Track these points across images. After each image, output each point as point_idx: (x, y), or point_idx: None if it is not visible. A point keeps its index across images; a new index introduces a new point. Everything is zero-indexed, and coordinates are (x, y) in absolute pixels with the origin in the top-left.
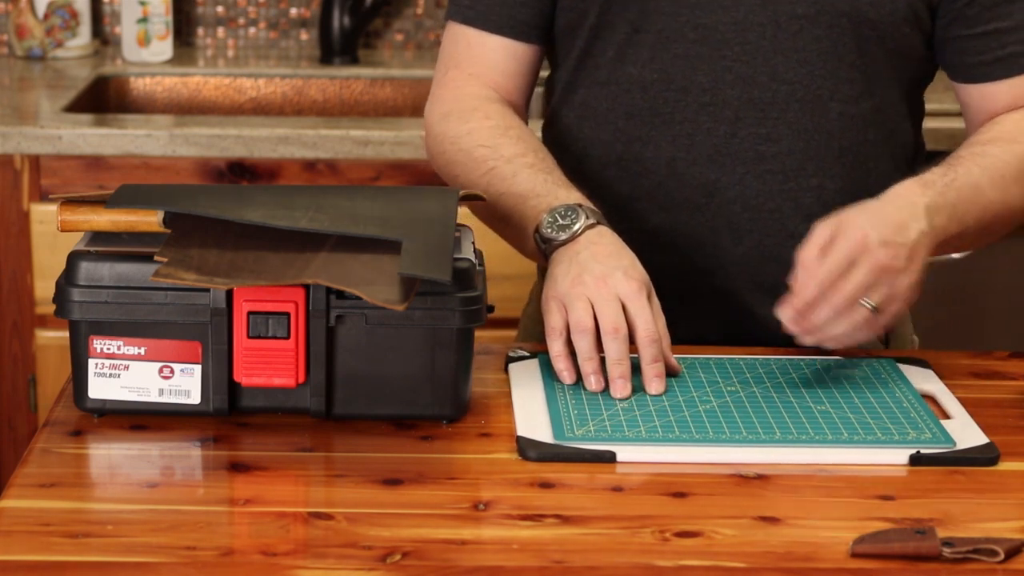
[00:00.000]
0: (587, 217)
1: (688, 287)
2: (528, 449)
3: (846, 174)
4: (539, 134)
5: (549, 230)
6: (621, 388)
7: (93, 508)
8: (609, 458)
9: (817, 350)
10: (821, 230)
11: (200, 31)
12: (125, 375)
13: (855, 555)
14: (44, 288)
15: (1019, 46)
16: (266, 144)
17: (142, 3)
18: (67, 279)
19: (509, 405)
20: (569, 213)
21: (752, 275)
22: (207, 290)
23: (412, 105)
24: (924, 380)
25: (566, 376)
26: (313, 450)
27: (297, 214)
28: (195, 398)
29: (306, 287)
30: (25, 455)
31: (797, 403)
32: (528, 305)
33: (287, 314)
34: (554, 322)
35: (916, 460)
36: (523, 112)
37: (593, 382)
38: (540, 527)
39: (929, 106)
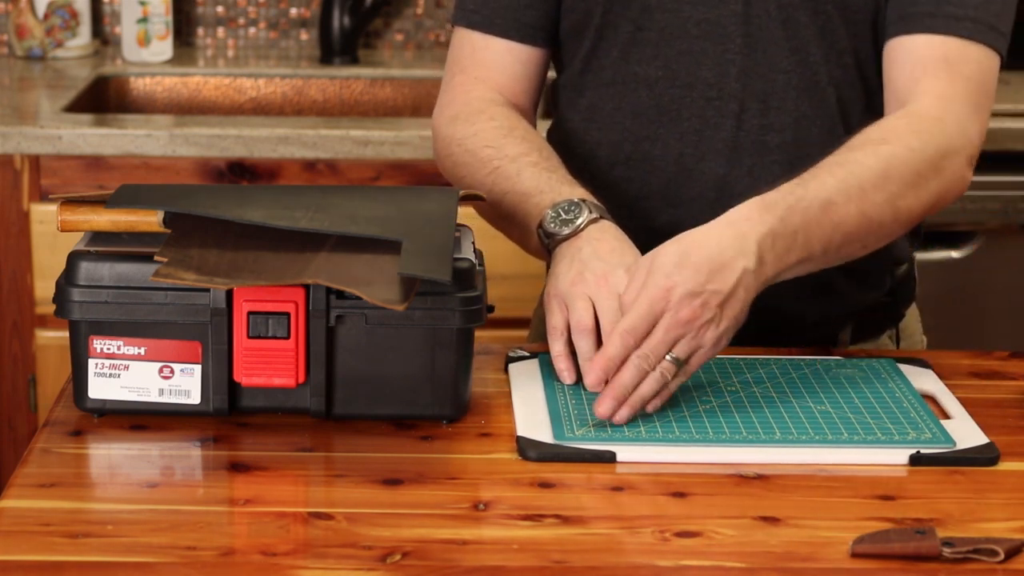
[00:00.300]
0: (590, 212)
1: None
2: (528, 449)
3: None
4: (545, 136)
5: (552, 225)
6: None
7: (93, 508)
8: (609, 458)
9: (817, 350)
10: (637, 273)
11: (200, 31)
12: (125, 375)
13: (855, 555)
14: (44, 288)
15: (929, 7)
16: (266, 144)
17: (142, 3)
18: (67, 279)
19: (509, 405)
20: (572, 208)
21: None
22: (207, 290)
23: (412, 105)
24: (924, 380)
25: (566, 376)
26: (313, 450)
27: (297, 214)
28: (195, 398)
29: (306, 287)
30: (25, 455)
31: (797, 403)
32: (539, 306)
33: (287, 314)
34: (555, 321)
35: (916, 460)
36: (530, 115)
37: (593, 381)
38: (540, 527)
39: None
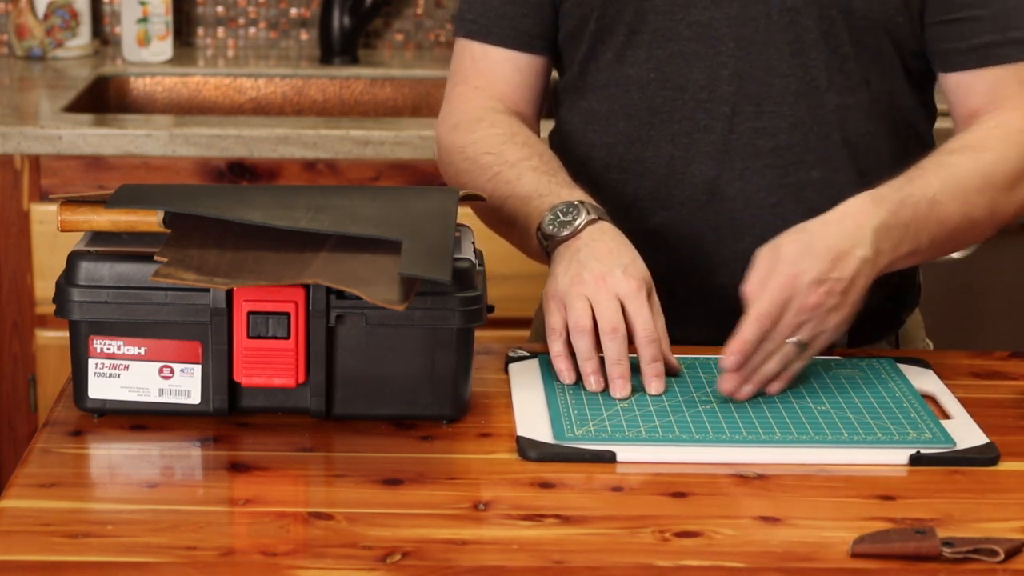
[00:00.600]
0: (588, 213)
1: (691, 285)
2: (528, 449)
3: (854, 166)
4: (546, 138)
5: (551, 227)
6: (620, 388)
7: (93, 508)
8: (609, 458)
9: None
10: (761, 260)
11: (200, 31)
12: (125, 375)
13: (855, 555)
14: (44, 288)
15: (995, 35)
16: (266, 144)
17: (142, 3)
18: (67, 279)
19: (509, 405)
20: (570, 210)
21: None
22: (207, 290)
23: (412, 105)
24: (924, 380)
25: (566, 376)
26: (313, 450)
27: (297, 214)
28: (195, 398)
29: (306, 287)
30: (25, 455)
31: (797, 403)
32: (540, 310)
33: (287, 314)
34: (553, 322)
35: (916, 460)
36: (532, 122)
37: (593, 382)
38: (540, 527)
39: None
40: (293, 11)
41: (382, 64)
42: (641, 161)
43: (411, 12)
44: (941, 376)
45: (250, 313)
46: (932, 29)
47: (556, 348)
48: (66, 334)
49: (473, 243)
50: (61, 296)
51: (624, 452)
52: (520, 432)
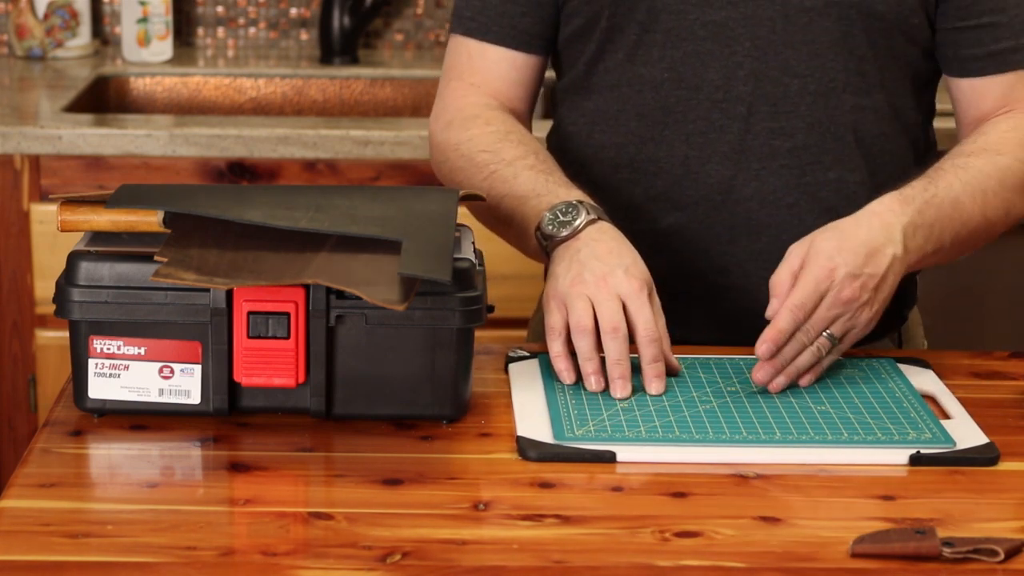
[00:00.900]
0: (588, 213)
1: (703, 286)
2: (528, 449)
3: (865, 166)
4: (542, 138)
5: (550, 227)
6: (621, 388)
7: (93, 508)
8: (609, 458)
9: None
10: (792, 256)
11: (200, 31)
12: (125, 375)
13: (855, 555)
14: (44, 288)
15: (1012, 41)
16: (266, 144)
17: (142, 3)
18: (67, 279)
19: (509, 405)
20: (570, 210)
21: (770, 272)
22: (207, 290)
23: (412, 105)
24: (924, 380)
25: (566, 376)
26: (313, 450)
27: (297, 214)
28: (195, 398)
29: (306, 287)
30: (25, 455)
31: (797, 403)
32: (538, 311)
33: (287, 314)
34: (554, 322)
35: (916, 460)
36: (526, 120)
37: (593, 382)
38: (540, 527)
39: (939, 106)
40: (293, 11)
41: (382, 64)
42: (654, 161)
43: (411, 12)
44: (941, 376)
45: (250, 313)
46: (947, 34)
47: (556, 348)
48: (66, 334)
49: (473, 243)
50: (61, 296)
51: (624, 452)
52: (520, 432)
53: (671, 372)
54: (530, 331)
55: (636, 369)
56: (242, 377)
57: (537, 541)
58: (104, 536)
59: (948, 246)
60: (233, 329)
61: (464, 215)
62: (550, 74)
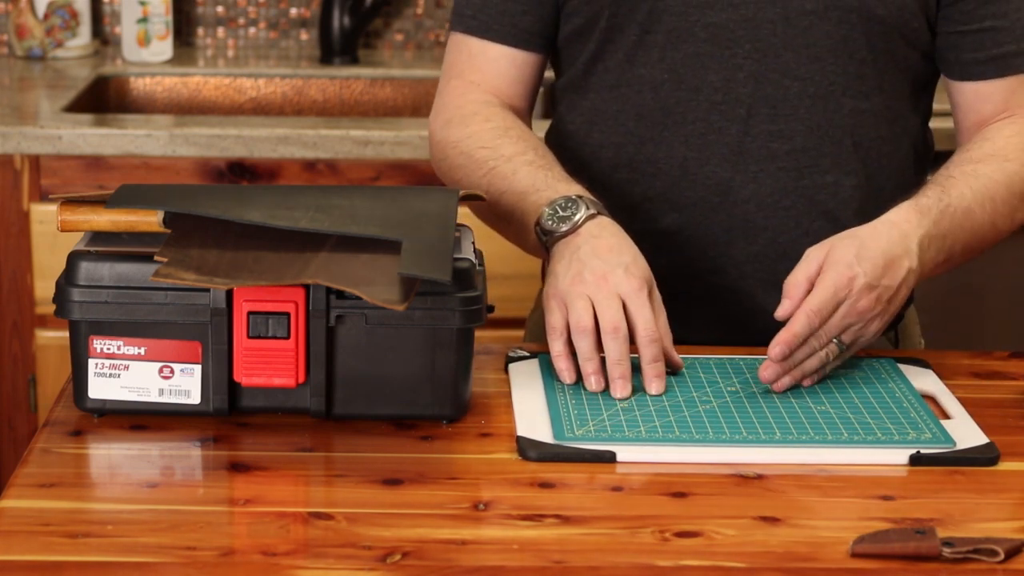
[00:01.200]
0: (587, 208)
1: (701, 287)
2: (528, 449)
3: (862, 170)
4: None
5: (550, 222)
6: (621, 388)
7: (93, 508)
8: (609, 458)
9: None
10: (811, 259)
11: (200, 31)
12: (125, 375)
13: (855, 555)
14: (44, 288)
15: (1014, 45)
16: (266, 144)
17: (142, 3)
18: (67, 279)
19: (509, 405)
20: (569, 205)
21: (766, 273)
22: (207, 290)
23: (412, 105)
24: (924, 380)
25: (566, 376)
26: (313, 450)
27: (297, 214)
28: (195, 398)
29: (306, 287)
30: (25, 455)
31: (797, 403)
32: (535, 311)
33: (287, 314)
34: (554, 321)
35: (916, 460)
36: (525, 118)
37: (593, 382)
38: (540, 527)
39: (935, 106)
40: (293, 11)
41: (382, 64)
42: (653, 162)
43: (411, 12)
44: (941, 376)
45: (250, 313)
46: (949, 38)
47: (557, 348)
48: (66, 334)
49: (473, 243)
50: (61, 296)
51: (624, 452)
52: (520, 432)
53: (674, 369)
54: (527, 330)
55: (636, 369)
56: (242, 377)
57: (537, 541)
58: (104, 536)
59: (958, 255)
60: (233, 329)
61: (464, 214)
62: (549, 73)
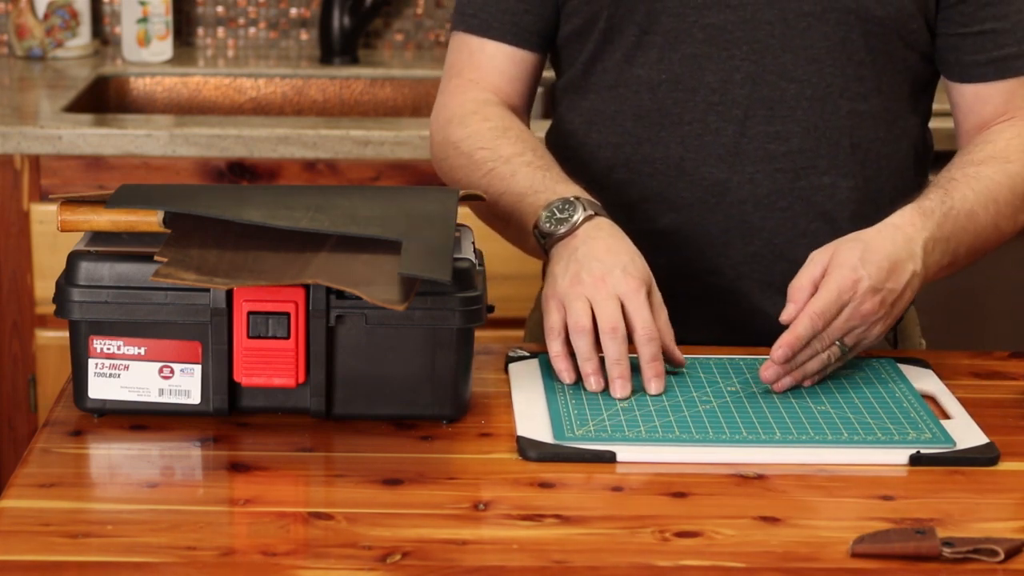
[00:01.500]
0: (585, 209)
1: (698, 287)
2: (528, 449)
3: (859, 172)
4: (541, 137)
5: (547, 224)
6: (620, 388)
7: (93, 508)
8: (609, 458)
9: None
10: (814, 263)
11: (200, 31)
12: (125, 375)
13: (855, 555)
14: (44, 288)
15: (1015, 48)
16: (266, 144)
17: (142, 3)
18: (67, 279)
19: (509, 405)
20: (566, 207)
21: (763, 274)
22: (207, 290)
23: (412, 105)
24: (924, 380)
25: (566, 376)
26: (313, 450)
27: (297, 214)
28: (195, 398)
29: (306, 287)
30: (25, 455)
31: (797, 403)
32: (534, 311)
33: (287, 314)
34: (553, 322)
35: (916, 460)
36: (524, 117)
37: (593, 383)
38: (540, 527)
39: (934, 106)
40: (293, 11)
41: (382, 64)
42: (650, 162)
43: (411, 12)
44: (941, 376)
45: (250, 313)
46: (949, 40)
47: (555, 348)
48: (66, 334)
49: (473, 243)
50: (61, 296)
51: (624, 452)
52: (520, 432)
53: (676, 365)
54: (527, 331)
55: (636, 369)
56: (242, 377)
57: (537, 541)
58: (104, 536)
59: (962, 257)
60: (233, 329)
61: (464, 214)
62: (549, 73)
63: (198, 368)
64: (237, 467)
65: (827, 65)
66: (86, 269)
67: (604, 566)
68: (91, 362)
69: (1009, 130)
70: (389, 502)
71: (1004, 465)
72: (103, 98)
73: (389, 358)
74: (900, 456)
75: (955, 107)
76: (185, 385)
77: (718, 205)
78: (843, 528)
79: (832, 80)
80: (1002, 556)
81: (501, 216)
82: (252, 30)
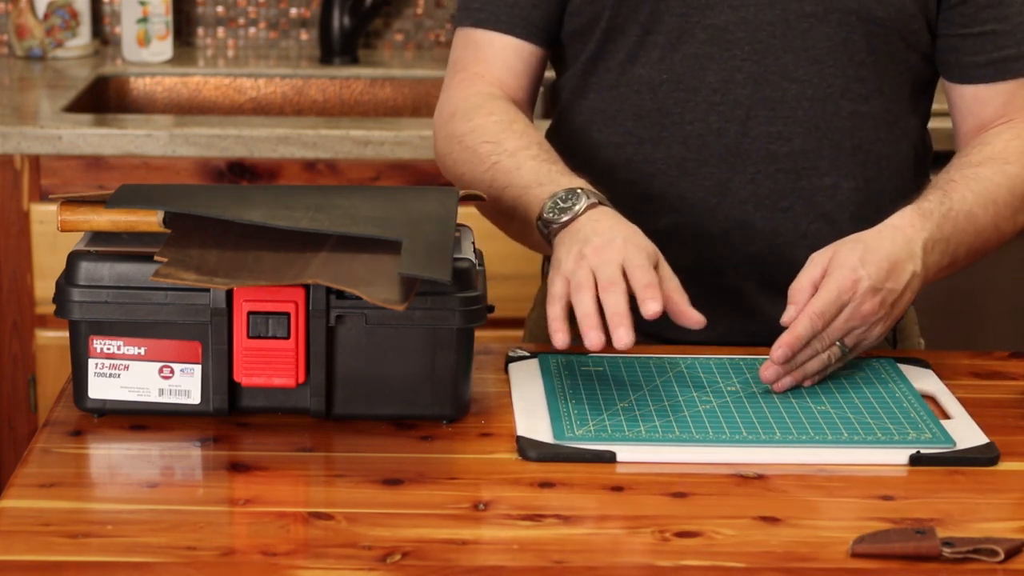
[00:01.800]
0: (588, 198)
1: (699, 287)
2: (528, 449)
3: (860, 173)
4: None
5: (551, 214)
6: (624, 336)
7: (93, 508)
8: (609, 458)
9: None
10: (814, 265)
11: (200, 31)
12: (125, 375)
13: (855, 555)
14: (44, 288)
15: (1014, 49)
16: (266, 144)
17: (142, 3)
18: (67, 279)
19: (509, 405)
20: (570, 196)
21: (763, 275)
22: (207, 290)
23: (412, 105)
24: (924, 380)
25: (559, 338)
26: (313, 450)
27: (297, 214)
28: (195, 398)
29: (306, 287)
30: (25, 455)
31: (797, 403)
32: (533, 311)
33: (287, 314)
34: (555, 289)
35: (916, 460)
36: (528, 113)
37: (593, 338)
38: (540, 527)
39: (934, 106)
40: (293, 11)
41: (382, 64)
42: (651, 162)
43: (411, 12)
44: (941, 376)
45: (250, 313)
46: (949, 41)
47: (554, 311)
48: (66, 334)
49: (473, 243)
50: (61, 296)
51: (624, 452)
52: (520, 432)
53: (698, 323)
54: (527, 331)
55: (636, 369)
56: (242, 377)
57: (537, 541)
58: (104, 536)
59: (962, 258)
60: (233, 329)
61: (466, 213)
62: (550, 72)
63: (198, 368)
64: (237, 467)
65: (829, 66)
66: (86, 269)
67: (604, 566)
68: (91, 362)
69: (1008, 132)
70: (389, 502)
71: (1004, 465)
72: (103, 98)
73: (389, 358)
74: (900, 456)
75: (954, 108)
76: (185, 385)
77: (719, 205)
78: (843, 528)
79: (834, 81)
80: (1002, 556)
81: (505, 210)
82: (252, 30)
